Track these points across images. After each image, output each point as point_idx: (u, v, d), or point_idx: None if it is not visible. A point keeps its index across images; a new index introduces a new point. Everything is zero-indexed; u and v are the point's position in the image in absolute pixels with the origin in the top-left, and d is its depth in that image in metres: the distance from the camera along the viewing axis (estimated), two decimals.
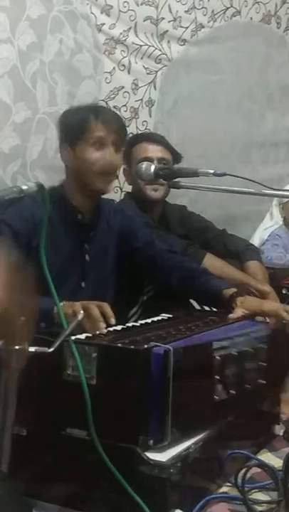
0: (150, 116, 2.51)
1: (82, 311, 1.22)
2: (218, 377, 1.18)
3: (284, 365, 1.40)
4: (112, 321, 1.27)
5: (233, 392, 1.21)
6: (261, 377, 1.30)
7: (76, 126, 1.58)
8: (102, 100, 2.31)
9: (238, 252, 2.01)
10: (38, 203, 1.31)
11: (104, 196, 1.72)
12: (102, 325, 1.24)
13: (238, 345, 1.25)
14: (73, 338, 1.11)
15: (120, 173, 1.99)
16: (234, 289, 1.55)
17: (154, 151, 1.94)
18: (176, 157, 2.00)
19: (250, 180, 1.46)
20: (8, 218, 1.50)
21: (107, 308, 1.29)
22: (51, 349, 0.94)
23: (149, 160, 1.87)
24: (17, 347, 0.90)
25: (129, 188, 2.12)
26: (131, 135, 2.23)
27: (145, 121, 2.49)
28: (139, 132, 2.14)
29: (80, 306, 1.28)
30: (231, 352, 1.22)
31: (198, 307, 1.75)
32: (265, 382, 1.31)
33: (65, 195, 1.62)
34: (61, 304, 1.19)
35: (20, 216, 1.48)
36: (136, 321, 1.49)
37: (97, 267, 1.66)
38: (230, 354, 1.21)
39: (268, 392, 1.36)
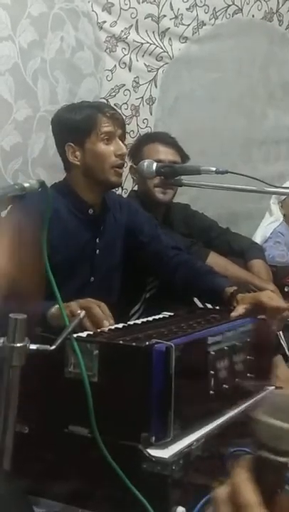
0: (151, 114, 2.51)
1: (83, 310, 1.22)
2: (212, 372, 1.18)
3: (268, 359, 1.40)
4: (111, 321, 1.27)
5: (226, 386, 1.21)
6: (249, 371, 1.31)
7: (83, 123, 1.58)
8: (103, 98, 2.32)
9: (242, 250, 2.01)
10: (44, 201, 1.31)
11: None
12: (106, 322, 1.24)
13: (228, 339, 1.26)
14: (75, 335, 1.11)
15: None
16: (235, 287, 1.55)
17: (166, 153, 1.94)
18: (184, 159, 2.00)
19: (252, 177, 1.46)
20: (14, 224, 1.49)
21: (105, 308, 1.30)
22: (53, 347, 0.94)
23: (161, 162, 1.86)
24: (19, 344, 0.90)
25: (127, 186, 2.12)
26: (138, 133, 2.24)
27: (146, 119, 2.49)
28: (151, 132, 2.13)
29: (77, 306, 1.28)
30: (223, 347, 1.23)
31: (200, 305, 1.75)
32: (252, 375, 1.32)
33: (74, 189, 1.63)
34: (56, 306, 1.19)
35: (27, 215, 1.47)
36: (138, 319, 1.49)
37: (106, 261, 1.67)
38: (222, 349, 1.22)
39: (255, 385, 1.36)
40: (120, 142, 1.60)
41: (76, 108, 1.66)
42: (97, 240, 1.65)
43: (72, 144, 1.60)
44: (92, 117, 1.58)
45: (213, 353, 1.19)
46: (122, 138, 1.62)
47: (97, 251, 1.65)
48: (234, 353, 1.27)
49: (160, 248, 1.70)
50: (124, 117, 1.76)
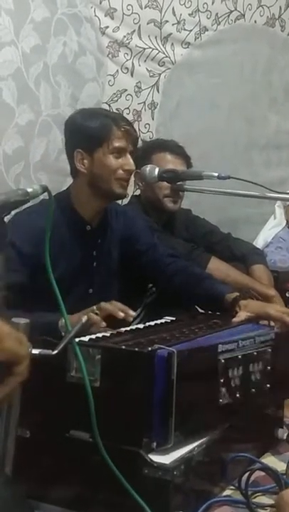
0: (153, 119, 2.51)
1: (85, 316, 1.23)
2: (222, 381, 1.18)
3: (288, 369, 1.40)
4: (130, 312, 1.33)
5: (238, 395, 1.21)
6: (266, 381, 1.30)
7: (96, 133, 1.57)
8: (105, 103, 2.32)
9: (244, 255, 2.01)
10: (44, 217, 1.30)
11: None
12: (120, 313, 1.31)
13: (243, 348, 1.25)
14: (77, 340, 1.11)
15: None
16: (237, 293, 1.55)
17: (175, 163, 1.92)
18: (190, 167, 1.99)
19: (254, 183, 1.46)
20: (17, 241, 1.49)
21: (118, 303, 1.35)
22: (55, 351, 0.94)
23: None
24: None
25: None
26: (149, 140, 2.23)
27: (148, 123, 2.49)
28: (161, 139, 2.13)
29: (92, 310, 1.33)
30: (236, 355, 1.22)
31: (201, 311, 1.75)
32: (269, 386, 1.31)
33: (71, 205, 1.62)
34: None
35: (30, 237, 1.47)
36: (139, 324, 1.49)
37: (103, 272, 1.67)
38: (235, 357, 1.21)
39: (272, 396, 1.36)
40: (130, 158, 1.59)
41: (92, 115, 1.64)
42: (94, 253, 1.65)
43: (81, 150, 1.59)
44: (106, 129, 1.57)
45: (223, 361, 1.18)
46: (133, 152, 1.62)
47: (95, 263, 1.65)
48: (250, 363, 1.26)
49: (157, 256, 1.70)
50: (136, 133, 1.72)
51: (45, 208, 1.03)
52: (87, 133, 1.58)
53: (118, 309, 1.32)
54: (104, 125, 1.57)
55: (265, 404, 1.35)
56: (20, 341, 0.80)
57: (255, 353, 1.27)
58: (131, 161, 1.59)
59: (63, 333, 1.30)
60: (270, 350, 1.32)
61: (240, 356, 1.22)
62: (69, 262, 1.57)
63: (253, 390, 1.26)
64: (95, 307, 1.35)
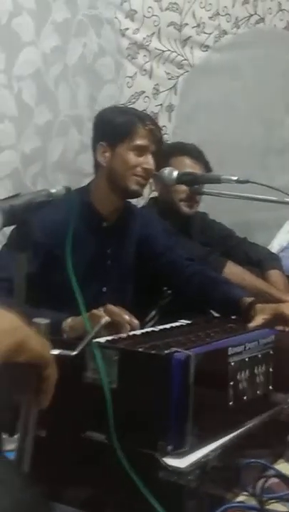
0: (170, 122, 2.52)
1: (106, 317, 1.22)
2: (232, 383, 1.18)
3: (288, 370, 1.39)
4: (134, 321, 1.30)
5: (245, 398, 1.21)
6: (269, 383, 1.30)
7: (121, 128, 1.58)
8: (123, 104, 2.32)
9: (260, 260, 2.01)
10: (61, 210, 1.31)
11: None
12: (126, 317, 1.29)
13: (249, 350, 1.25)
14: (95, 340, 1.11)
15: None
16: (253, 298, 1.54)
17: (195, 168, 1.93)
18: (208, 172, 2.00)
19: (272, 188, 1.46)
20: (30, 229, 1.48)
21: (124, 310, 1.32)
22: (75, 352, 0.94)
23: None
24: None
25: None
26: (169, 142, 2.23)
27: (164, 126, 2.49)
28: (180, 142, 2.14)
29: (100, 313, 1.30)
30: (244, 358, 1.22)
31: (216, 315, 1.75)
32: (271, 388, 1.31)
33: (89, 200, 1.63)
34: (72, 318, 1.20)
35: (45, 229, 1.47)
36: (154, 326, 1.49)
37: (118, 271, 1.67)
38: (242, 360, 1.21)
39: (276, 398, 1.36)
40: (151, 158, 1.59)
41: (121, 111, 1.67)
42: (109, 251, 1.65)
43: (104, 144, 1.60)
44: (130, 125, 1.58)
45: (233, 363, 1.19)
46: (155, 156, 1.61)
47: (109, 261, 1.65)
48: (255, 365, 1.26)
49: (174, 258, 1.70)
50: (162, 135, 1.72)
51: (62, 203, 1.03)
52: (112, 127, 1.60)
53: (125, 320, 1.29)
54: (130, 121, 1.59)
55: (271, 407, 1.35)
56: (43, 343, 0.80)
57: (259, 356, 1.27)
58: (151, 160, 1.59)
59: (65, 335, 1.30)
60: (271, 352, 1.32)
61: (247, 359, 1.22)
62: (82, 257, 1.57)
63: (258, 392, 1.26)
64: (101, 308, 1.33)
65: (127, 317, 1.29)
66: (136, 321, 1.30)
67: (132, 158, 1.58)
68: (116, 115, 1.63)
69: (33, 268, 1.48)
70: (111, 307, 1.33)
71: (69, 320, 1.32)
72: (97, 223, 1.63)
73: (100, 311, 1.30)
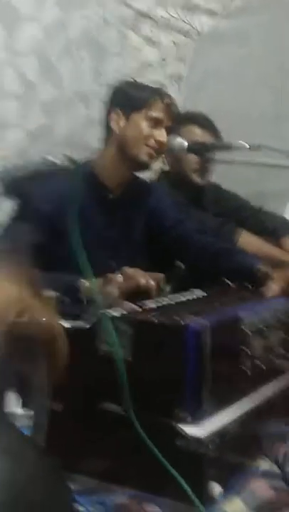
0: (179, 92, 2.47)
1: (116, 289, 1.21)
2: (249, 352, 1.17)
3: None
4: (151, 282, 1.31)
5: (263, 366, 1.20)
6: (287, 351, 1.29)
7: (139, 97, 1.60)
8: (130, 77, 2.28)
9: (274, 228, 1.98)
10: (66, 183, 1.29)
11: None
12: (142, 279, 1.31)
13: (266, 319, 1.24)
14: (108, 313, 1.10)
15: None
16: (268, 266, 1.52)
17: (205, 138, 1.90)
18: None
19: (285, 152, 1.42)
20: (36, 200, 1.48)
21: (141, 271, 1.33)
22: (88, 325, 0.93)
23: None
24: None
25: None
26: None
27: (174, 97, 2.44)
28: (190, 112, 2.11)
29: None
30: (260, 326, 1.21)
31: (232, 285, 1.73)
32: None
33: (95, 172, 1.61)
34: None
35: (49, 199, 1.47)
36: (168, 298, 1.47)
37: (126, 245, 1.65)
38: (259, 328, 1.20)
39: None
40: (164, 132, 1.58)
41: (141, 84, 1.70)
42: (117, 224, 1.63)
43: (119, 111, 1.60)
44: (149, 95, 1.60)
45: (250, 332, 1.17)
46: (169, 130, 1.61)
47: (116, 235, 1.64)
48: (273, 333, 1.25)
49: (184, 231, 1.69)
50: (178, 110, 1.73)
51: (66, 173, 1.02)
52: (130, 95, 1.61)
53: (140, 276, 1.30)
54: (149, 93, 1.62)
55: (285, 371, 1.33)
56: (51, 314, 0.79)
57: (277, 324, 1.26)
58: (165, 134, 1.59)
59: (84, 298, 1.29)
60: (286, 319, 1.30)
61: (263, 327, 1.21)
62: (89, 231, 1.56)
63: (276, 360, 1.25)
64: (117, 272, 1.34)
65: (143, 280, 1.27)
66: (152, 283, 1.30)
67: (146, 128, 1.58)
68: (136, 86, 1.67)
69: (41, 240, 1.47)
70: (127, 270, 1.33)
71: (85, 281, 1.32)
72: (102, 195, 1.61)
73: (115, 275, 1.30)
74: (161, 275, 1.34)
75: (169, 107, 1.61)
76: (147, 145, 1.57)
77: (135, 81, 1.75)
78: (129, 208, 1.65)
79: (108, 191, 1.60)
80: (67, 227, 1.05)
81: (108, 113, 1.63)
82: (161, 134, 1.58)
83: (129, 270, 1.33)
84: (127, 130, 1.58)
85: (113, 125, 1.60)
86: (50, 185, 1.48)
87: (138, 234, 1.68)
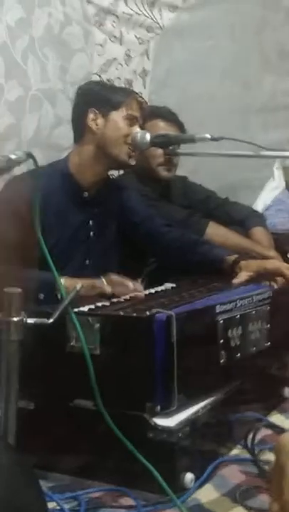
0: (144, 88, 2.47)
1: (79, 283, 1.22)
2: (222, 341, 1.17)
3: (287, 326, 1.39)
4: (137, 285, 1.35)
5: (238, 355, 1.20)
6: (266, 340, 1.30)
7: (116, 96, 1.61)
8: (95, 74, 2.27)
9: (242, 219, 1.99)
10: (37, 184, 1.30)
11: None
12: (130, 284, 1.34)
13: (241, 307, 1.24)
14: (76, 310, 1.10)
15: None
16: (236, 255, 1.53)
17: (169, 131, 1.90)
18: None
19: (247, 142, 1.43)
20: (9, 198, 1.49)
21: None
22: (51, 320, 0.94)
23: None
24: (15, 319, 0.89)
25: None
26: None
27: (140, 92, 2.44)
28: (153, 106, 2.12)
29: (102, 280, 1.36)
30: (234, 315, 1.21)
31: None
32: (269, 344, 1.30)
33: (69, 172, 1.61)
34: (62, 278, 1.21)
35: (21, 197, 1.46)
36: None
37: (101, 243, 1.66)
38: (233, 317, 1.21)
39: (274, 354, 1.36)
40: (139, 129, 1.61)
41: (112, 86, 1.75)
42: (91, 223, 1.64)
43: (96, 110, 1.60)
44: (125, 94, 1.63)
45: (222, 321, 1.18)
46: (141, 128, 1.64)
47: (91, 233, 1.65)
48: (249, 322, 1.25)
49: (152, 227, 1.70)
50: None
51: (38, 174, 1.02)
52: (106, 95, 1.61)
53: (128, 283, 1.33)
54: (125, 91, 1.66)
55: (267, 362, 1.35)
56: None
57: (253, 312, 1.26)
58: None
59: (59, 295, 1.30)
60: (268, 308, 1.31)
61: (238, 316, 1.22)
62: (64, 229, 1.57)
63: (254, 348, 1.26)
64: (102, 278, 1.36)
65: (131, 285, 1.32)
66: (140, 287, 1.33)
67: (124, 126, 1.59)
68: (107, 88, 1.69)
69: (20, 236, 1.47)
70: (114, 277, 1.36)
71: (62, 280, 1.32)
72: (77, 194, 1.61)
73: (102, 281, 1.34)
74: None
75: (142, 106, 1.64)
76: (126, 143, 1.58)
77: (104, 81, 1.78)
78: (102, 205, 1.66)
79: (83, 190, 1.61)
80: (43, 228, 1.05)
81: (82, 113, 1.65)
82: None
83: (116, 278, 1.35)
84: (106, 129, 1.58)
85: (91, 123, 1.60)
86: (25, 185, 1.48)
87: (111, 231, 1.69)
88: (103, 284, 1.36)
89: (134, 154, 1.60)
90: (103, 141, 1.58)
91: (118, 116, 1.58)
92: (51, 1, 2.11)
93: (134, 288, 1.33)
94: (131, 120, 1.59)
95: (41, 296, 1.28)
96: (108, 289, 1.32)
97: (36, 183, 1.04)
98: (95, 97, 1.62)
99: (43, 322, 0.92)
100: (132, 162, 1.61)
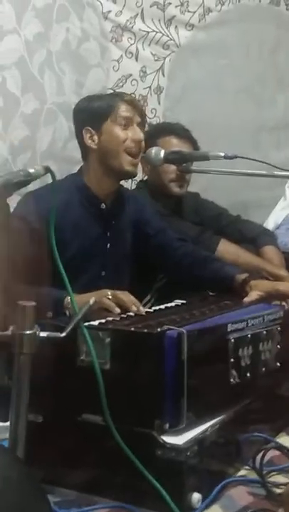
0: (159, 104, 2.49)
1: (93, 297, 1.22)
2: (232, 360, 1.17)
3: None
4: (140, 308, 1.31)
5: (248, 374, 1.19)
6: (276, 360, 1.29)
7: (102, 108, 1.60)
8: (111, 89, 2.30)
9: (254, 237, 1.99)
10: (55, 199, 1.31)
11: None
12: (134, 307, 1.30)
13: (253, 327, 1.23)
14: (86, 324, 1.10)
15: None
16: (247, 274, 1.53)
17: (182, 147, 1.89)
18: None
19: (261, 161, 1.44)
20: (25, 214, 1.49)
21: (130, 295, 1.34)
22: (63, 334, 0.94)
23: None
24: (28, 332, 0.89)
25: None
26: (155, 124, 2.22)
27: (154, 108, 2.47)
28: (166, 122, 2.12)
29: (107, 293, 1.33)
30: (246, 334, 1.21)
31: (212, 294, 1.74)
32: (279, 364, 1.30)
33: (86, 184, 1.62)
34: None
35: (37, 213, 1.47)
36: (150, 308, 1.48)
37: (117, 255, 1.67)
38: (244, 336, 1.20)
39: (283, 375, 1.35)
40: (138, 129, 1.59)
41: (96, 96, 1.69)
42: (108, 234, 1.65)
43: (89, 127, 1.61)
44: (110, 102, 1.61)
45: (233, 340, 1.17)
46: (141, 126, 1.62)
47: (108, 245, 1.65)
48: (260, 341, 1.25)
49: (165, 240, 1.70)
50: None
51: (56, 189, 1.03)
52: (93, 109, 1.61)
53: (131, 302, 1.31)
54: (109, 99, 1.62)
55: (276, 383, 1.34)
56: None
57: (264, 332, 1.26)
58: (138, 130, 1.59)
59: (67, 312, 1.30)
60: (279, 328, 1.31)
61: (249, 335, 1.21)
62: (82, 241, 1.58)
63: (264, 369, 1.25)
64: (109, 292, 1.34)
65: (134, 307, 1.30)
66: (142, 309, 1.31)
67: (119, 132, 1.58)
68: (92, 100, 1.65)
69: (32, 253, 1.48)
70: (119, 293, 1.33)
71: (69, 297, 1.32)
72: (95, 206, 1.63)
73: (108, 299, 1.31)
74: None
75: (133, 102, 1.62)
76: (127, 150, 1.57)
77: (91, 95, 1.73)
78: (118, 217, 1.67)
79: (101, 202, 1.62)
80: (60, 240, 1.05)
81: (80, 134, 1.66)
82: (135, 133, 1.57)
83: (120, 295, 1.33)
84: (103, 142, 1.59)
85: (89, 142, 1.61)
86: (42, 201, 1.49)
87: (126, 243, 1.70)
88: (113, 305, 1.32)
89: (137, 162, 1.60)
90: (104, 155, 1.59)
91: (110, 126, 1.58)
92: (69, 17, 2.14)
93: (136, 311, 1.30)
94: (125, 122, 1.58)
95: (49, 314, 1.28)
96: (117, 311, 1.30)
97: (54, 198, 1.05)
98: (85, 115, 1.63)
99: (55, 336, 0.92)
100: (135, 171, 1.61)
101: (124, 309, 1.30)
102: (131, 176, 1.67)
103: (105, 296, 1.32)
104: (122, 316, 1.27)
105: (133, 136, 1.57)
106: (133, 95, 2.39)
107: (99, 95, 1.71)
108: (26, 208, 1.52)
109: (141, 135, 1.58)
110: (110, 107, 1.58)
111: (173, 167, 1.82)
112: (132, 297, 1.33)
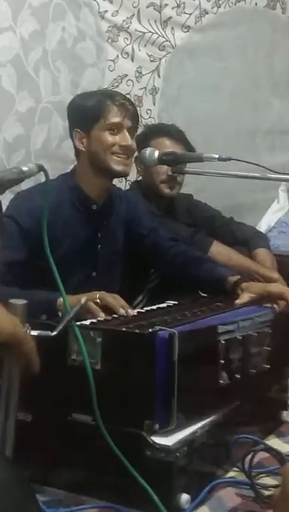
0: (154, 105, 2.49)
1: (84, 297, 1.22)
2: (223, 362, 1.17)
3: (287, 350, 1.39)
4: (129, 310, 1.29)
5: (238, 376, 1.20)
6: (265, 362, 1.29)
7: (91, 111, 1.58)
8: (106, 88, 2.30)
9: (246, 239, 2.00)
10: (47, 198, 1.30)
11: None
12: (122, 310, 1.28)
13: (243, 329, 1.24)
14: (78, 323, 1.10)
15: None
16: (238, 276, 1.53)
17: (176, 149, 1.87)
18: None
19: (255, 164, 1.44)
20: (18, 216, 1.49)
21: (120, 298, 1.32)
22: (54, 333, 0.93)
23: None
24: None
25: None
26: (149, 124, 2.22)
27: (149, 109, 2.47)
28: (161, 124, 2.12)
29: (94, 296, 1.31)
30: (236, 336, 1.21)
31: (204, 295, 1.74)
32: (269, 366, 1.30)
33: (77, 184, 1.62)
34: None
35: (31, 213, 1.47)
36: (141, 309, 1.48)
37: (108, 255, 1.66)
38: (234, 338, 1.20)
39: (272, 377, 1.35)
40: (127, 134, 1.57)
41: (90, 94, 1.66)
42: (99, 235, 1.64)
43: (79, 130, 1.60)
44: (101, 105, 1.57)
45: (223, 341, 1.17)
46: (132, 131, 1.60)
47: (99, 246, 1.65)
48: (250, 343, 1.25)
49: (158, 240, 1.70)
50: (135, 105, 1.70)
51: (49, 188, 1.03)
52: (84, 111, 1.59)
53: (120, 305, 1.29)
54: (99, 101, 1.58)
55: (266, 385, 1.34)
56: (12, 322, 0.79)
57: (254, 334, 1.26)
58: (128, 136, 1.57)
59: (60, 313, 1.29)
60: (269, 330, 1.31)
61: (239, 337, 1.21)
62: (73, 241, 1.57)
63: (253, 371, 1.25)
64: (97, 295, 1.32)
65: (122, 310, 1.28)
66: (131, 312, 1.29)
67: (107, 137, 1.57)
68: (85, 100, 1.63)
69: (23, 254, 1.48)
70: (107, 296, 1.31)
71: (61, 298, 1.31)
72: (87, 206, 1.62)
73: (95, 303, 1.29)
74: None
75: (124, 106, 1.57)
76: (114, 153, 1.56)
77: (85, 93, 1.72)
78: (110, 218, 1.67)
79: (92, 202, 1.62)
80: (50, 240, 1.04)
81: (71, 134, 1.63)
82: (124, 139, 1.56)
83: (109, 298, 1.31)
84: (92, 146, 1.58)
85: (78, 145, 1.60)
86: (32, 201, 1.48)
87: (118, 244, 1.70)
88: (98, 310, 1.29)
89: (128, 162, 1.59)
90: (92, 157, 1.59)
91: (99, 131, 1.57)
92: (65, 16, 2.14)
93: (124, 313, 1.28)
94: (114, 128, 1.56)
95: (44, 317, 1.27)
96: (101, 316, 1.27)
97: (46, 196, 1.05)
98: (76, 116, 1.62)
99: (46, 334, 0.92)
100: (127, 170, 1.59)
101: (112, 313, 1.29)
102: (122, 175, 1.66)
103: (94, 299, 1.30)
104: (114, 316, 1.27)
105: (121, 142, 1.56)
106: (128, 96, 2.40)
107: (92, 93, 1.68)
108: (17, 207, 1.51)
109: (129, 141, 1.57)
110: (100, 110, 1.56)
111: (165, 168, 1.82)
112: (121, 300, 1.32)
